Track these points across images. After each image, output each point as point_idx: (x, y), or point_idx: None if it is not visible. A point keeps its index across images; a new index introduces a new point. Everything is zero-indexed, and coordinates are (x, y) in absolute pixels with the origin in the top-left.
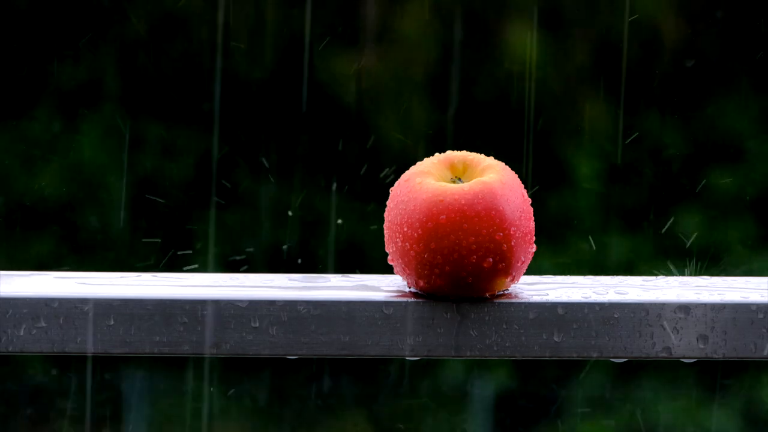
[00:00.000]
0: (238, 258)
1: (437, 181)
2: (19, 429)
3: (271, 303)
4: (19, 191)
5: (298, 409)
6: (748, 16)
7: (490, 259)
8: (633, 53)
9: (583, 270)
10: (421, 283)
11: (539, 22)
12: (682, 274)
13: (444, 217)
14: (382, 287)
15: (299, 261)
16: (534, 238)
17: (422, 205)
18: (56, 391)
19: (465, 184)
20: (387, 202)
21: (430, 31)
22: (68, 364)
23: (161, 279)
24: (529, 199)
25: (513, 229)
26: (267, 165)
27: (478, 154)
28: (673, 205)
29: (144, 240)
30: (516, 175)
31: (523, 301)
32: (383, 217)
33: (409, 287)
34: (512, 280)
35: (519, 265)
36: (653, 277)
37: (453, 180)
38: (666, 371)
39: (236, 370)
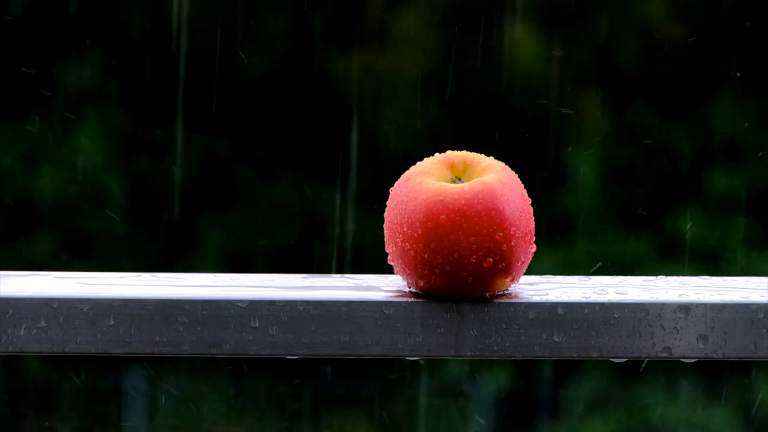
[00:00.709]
0: (238, 258)
1: (437, 181)
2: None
3: (271, 303)
4: (20, 191)
5: (298, 409)
6: (748, 15)
7: (490, 259)
8: (633, 53)
9: (582, 270)
10: (421, 283)
11: (539, 22)
12: (682, 274)
13: (444, 217)
14: (382, 287)
15: (299, 261)
16: (534, 238)
17: (422, 205)
18: (56, 391)
19: (465, 184)
20: (387, 202)
21: (430, 31)
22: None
23: (161, 279)
24: (529, 199)
25: (513, 229)
26: (267, 165)
27: (478, 154)
28: (673, 205)
29: (144, 240)
30: (516, 175)
31: (523, 301)
32: (383, 217)
33: (409, 287)
34: (512, 280)
35: (519, 265)
36: (653, 277)
37: (453, 180)
38: (666, 371)
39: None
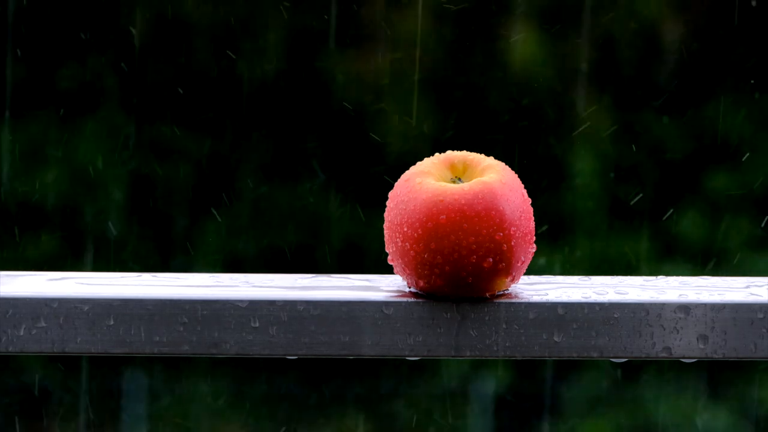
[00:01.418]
0: (238, 258)
1: (437, 181)
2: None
3: (271, 303)
4: (20, 191)
5: (298, 409)
6: (747, 16)
7: (490, 259)
8: (633, 53)
9: (582, 270)
10: (421, 283)
11: (539, 22)
12: (683, 274)
13: (444, 217)
14: (382, 287)
15: (299, 261)
16: (534, 238)
17: (422, 205)
18: (56, 391)
19: (465, 184)
20: (387, 202)
21: (430, 31)
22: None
23: (161, 279)
24: (529, 199)
25: (513, 229)
26: (267, 165)
27: (478, 154)
28: (673, 204)
29: (144, 240)
30: (516, 175)
31: (523, 301)
32: (383, 217)
33: (409, 287)
34: (512, 280)
35: (519, 265)
36: (653, 277)
37: (453, 180)
38: (666, 371)
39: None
